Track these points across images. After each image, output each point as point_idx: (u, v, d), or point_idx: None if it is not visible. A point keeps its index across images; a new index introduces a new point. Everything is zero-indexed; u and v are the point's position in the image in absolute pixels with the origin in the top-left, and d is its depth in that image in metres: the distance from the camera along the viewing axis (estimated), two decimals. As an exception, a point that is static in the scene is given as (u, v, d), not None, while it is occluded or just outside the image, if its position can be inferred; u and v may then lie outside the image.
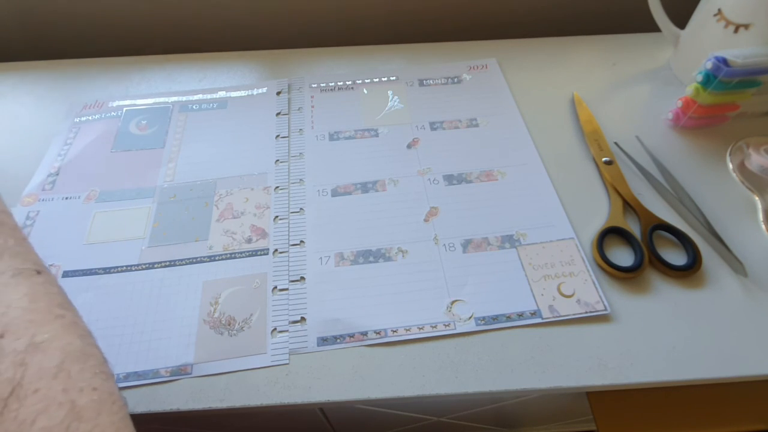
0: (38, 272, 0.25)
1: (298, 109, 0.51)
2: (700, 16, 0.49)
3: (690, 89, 0.45)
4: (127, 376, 0.33)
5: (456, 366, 0.34)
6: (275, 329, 0.36)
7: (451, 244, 0.40)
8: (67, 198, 0.44)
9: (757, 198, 0.41)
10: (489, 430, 0.69)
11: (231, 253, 0.40)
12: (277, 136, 0.48)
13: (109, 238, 0.41)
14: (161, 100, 0.52)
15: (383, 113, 0.50)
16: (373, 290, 0.37)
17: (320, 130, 0.49)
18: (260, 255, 0.40)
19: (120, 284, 0.38)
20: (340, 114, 0.50)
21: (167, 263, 0.39)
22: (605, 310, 0.35)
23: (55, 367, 0.21)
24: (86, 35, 0.61)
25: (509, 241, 0.40)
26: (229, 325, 0.36)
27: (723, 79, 0.42)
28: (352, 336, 0.35)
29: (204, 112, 0.51)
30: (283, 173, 0.45)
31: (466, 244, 0.40)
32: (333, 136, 0.48)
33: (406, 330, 0.35)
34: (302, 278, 0.38)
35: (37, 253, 0.27)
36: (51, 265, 0.39)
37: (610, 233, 0.40)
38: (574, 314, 0.35)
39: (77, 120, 0.50)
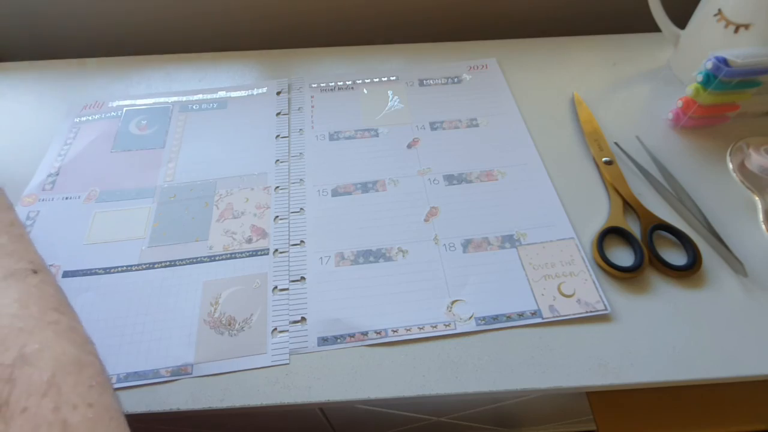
0: (34, 272, 0.23)
1: (298, 109, 0.51)
2: (700, 16, 0.49)
3: (690, 89, 0.45)
4: (127, 376, 0.33)
5: (456, 366, 0.34)
6: (275, 329, 0.36)
7: (452, 244, 0.40)
8: (67, 198, 0.44)
9: (757, 198, 0.41)
10: (489, 430, 0.69)
11: (231, 253, 0.40)
12: (277, 136, 0.48)
13: (109, 238, 0.41)
14: (161, 100, 0.52)
15: (383, 113, 0.50)
16: (374, 290, 0.37)
17: (320, 130, 0.49)
18: (260, 255, 0.40)
19: (120, 284, 0.38)
20: (340, 114, 0.50)
21: (167, 263, 0.39)
22: (605, 309, 0.35)
23: (46, 383, 0.19)
24: (86, 35, 0.61)
25: (509, 241, 0.40)
26: (229, 325, 0.36)
27: (723, 79, 0.42)
28: (352, 336, 0.35)
29: (204, 112, 0.51)
30: (284, 173, 0.45)
31: (467, 244, 0.40)
32: (333, 136, 0.48)
33: (407, 330, 0.35)
34: (302, 278, 0.38)
35: (35, 251, 0.25)
36: (51, 265, 0.39)
37: (610, 233, 0.40)
38: (574, 314, 0.35)
39: (77, 120, 0.50)
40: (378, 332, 0.35)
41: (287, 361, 0.34)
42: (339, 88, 0.53)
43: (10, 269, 0.23)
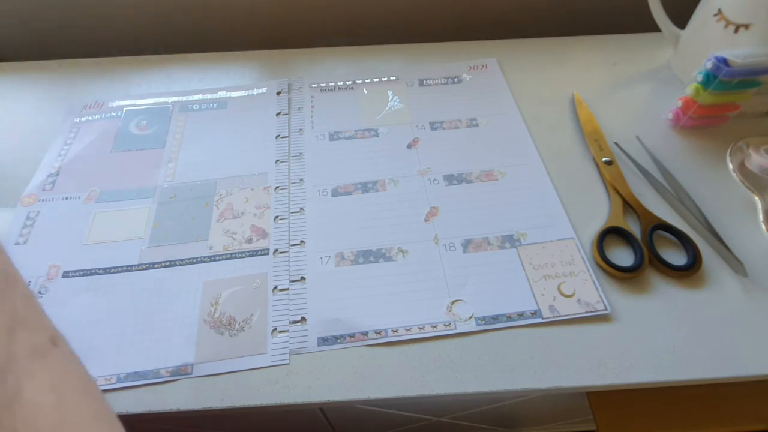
0: (54, 343, 0.19)
1: (298, 109, 0.51)
2: (700, 16, 0.49)
3: (690, 89, 0.45)
4: (127, 376, 0.33)
5: (456, 366, 0.34)
6: (275, 329, 0.36)
7: (452, 244, 0.40)
8: (67, 198, 0.44)
9: (757, 198, 0.41)
10: (489, 430, 0.69)
11: (231, 253, 0.40)
12: (278, 136, 0.48)
13: (110, 238, 0.41)
14: (161, 100, 0.52)
15: (383, 113, 0.50)
16: (374, 290, 0.37)
17: (320, 130, 0.49)
18: (260, 255, 0.40)
19: (120, 284, 0.38)
20: (340, 114, 0.50)
21: (167, 263, 0.39)
22: (605, 309, 0.35)
23: None
24: (86, 35, 0.61)
25: (509, 241, 0.40)
26: (229, 325, 0.36)
27: (723, 79, 0.42)
28: (352, 336, 0.35)
29: (204, 112, 0.51)
30: (284, 173, 0.45)
31: (467, 244, 0.40)
32: (333, 136, 0.48)
33: (407, 330, 0.35)
34: (302, 278, 0.38)
35: (44, 312, 0.20)
36: (51, 265, 0.39)
37: (610, 233, 0.40)
38: (574, 314, 0.35)
39: (77, 120, 0.50)
40: (378, 332, 0.35)
41: (287, 361, 0.34)
42: (339, 88, 0.53)
43: (30, 344, 0.18)
